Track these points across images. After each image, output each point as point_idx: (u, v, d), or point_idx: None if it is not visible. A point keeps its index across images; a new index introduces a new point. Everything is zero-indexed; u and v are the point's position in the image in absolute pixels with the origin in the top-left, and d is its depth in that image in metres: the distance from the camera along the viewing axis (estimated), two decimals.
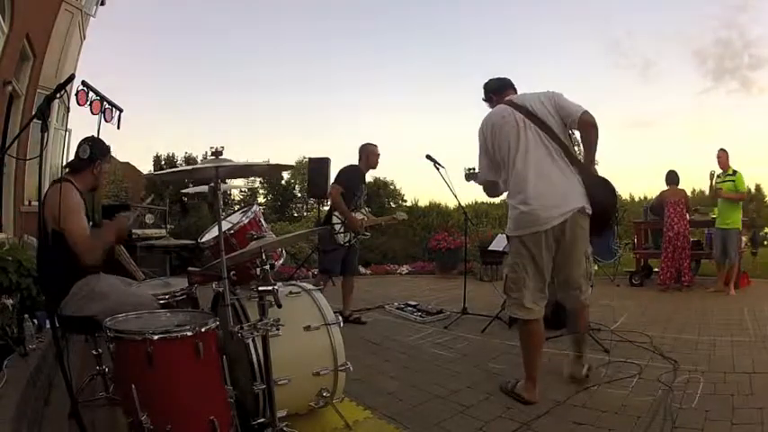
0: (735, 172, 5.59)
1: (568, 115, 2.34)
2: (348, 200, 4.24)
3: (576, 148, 2.44)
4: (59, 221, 2.08)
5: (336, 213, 4.25)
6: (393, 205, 16.73)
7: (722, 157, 5.70)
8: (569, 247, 2.33)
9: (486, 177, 2.51)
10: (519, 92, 2.62)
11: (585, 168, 2.36)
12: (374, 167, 4.49)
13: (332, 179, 5.08)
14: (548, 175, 2.29)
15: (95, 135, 5.59)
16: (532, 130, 2.33)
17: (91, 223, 2.47)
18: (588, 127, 2.30)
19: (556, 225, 2.26)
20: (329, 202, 4.53)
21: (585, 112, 2.29)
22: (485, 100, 2.68)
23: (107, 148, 2.50)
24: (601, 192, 2.36)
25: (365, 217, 4.42)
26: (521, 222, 2.33)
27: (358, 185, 4.36)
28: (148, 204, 5.45)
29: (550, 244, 2.31)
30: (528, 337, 2.46)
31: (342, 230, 4.17)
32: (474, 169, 2.85)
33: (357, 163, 4.44)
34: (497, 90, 2.59)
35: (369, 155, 4.41)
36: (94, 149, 2.37)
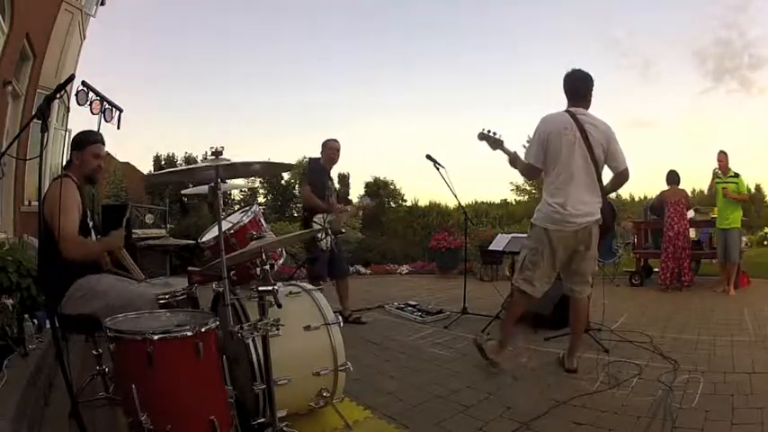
0: (737, 174, 5.62)
1: (614, 161, 2.81)
2: (320, 198, 4.20)
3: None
4: (56, 218, 2.09)
5: (315, 219, 4.19)
6: (393, 205, 16.76)
7: (722, 159, 5.73)
8: (585, 246, 2.80)
9: (533, 162, 2.85)
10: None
11: (604, 193, 2.85)
12: (334, 162, 4.46)
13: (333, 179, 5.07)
14: (582, 191, 2.76)
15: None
16: (583, 151, 2.74)
17: (91, 223, 2.47)
18: (622, 180, 2.87)
19: (578, 230, 2.74)
20: (303, 206, 4.46)
21: (627, 169, 2.83)
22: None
23: (82, 137, 2.46)
24: (607, 213, 2.89)
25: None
26: (551, 218, 2.78)
27: (325, 182, 4.31)
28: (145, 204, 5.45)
29: (570, 244, 2.77)
30: (514, 306, 3.02)
31: (322, 237, 4.10)
32: (491, 132, 3.07)
33: (320, 159, 4.41)
34: (568, 98, 2.88)
35: (327, 150, 4.39)
36: (72, 143, 2.42)
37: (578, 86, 2.86)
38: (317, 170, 4.37)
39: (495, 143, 3.06)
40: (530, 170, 2.91)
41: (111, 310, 1.89)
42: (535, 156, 2.83)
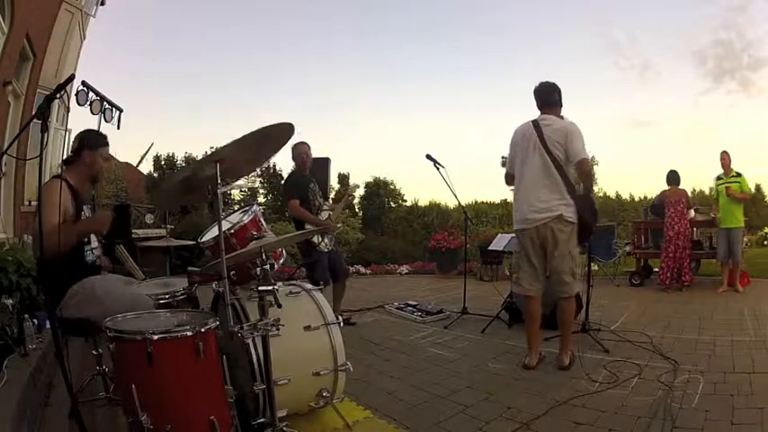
0: (739, 174, 5.68)
1: (571, 156, 2.95)
2: (306, 207, 4.11)
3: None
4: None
5: (308, 226, 4.08)
6: (393, 205, 16.75)
7: (725, 159, 5.78)
8: (552, 244, 2.94)
9: (509, 170, 3.24)
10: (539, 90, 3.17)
11: (576, 193, 2.97)
12: (307, 165, 4.34)
13: (333, 179, 5.06)
14: (538, 190, 2.95)
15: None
16: (540, 151, 2.96)
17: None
18: (581, 172, 3.02)
19: (538, 226, 2.93)
20: (292, 216, 4.30)
21: (582, 161, 2.94)
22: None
23: (96, 137, 2.49)
24: (586, 211, 2.99)
25: (330, 211, 4.32)
26: (516, 220, 3.09)
27: (306, 188, 4.19)
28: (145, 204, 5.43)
29: (534, 240, 2.98)
30: (525, 311, 3.16)
31: (321, 240, 4.04)
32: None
33: (295, 165, 4.33)
34: (539, 107, 3.13)
35: (296, 156, 4.28)
36: (83, 140, 2.41)
37: (546, 97, 3.10)
38: (296, 179, 4.26)
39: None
40: (507, 177, 3.30)
41: (108, 315, 1.88)
42: (508, 164, 3.23)
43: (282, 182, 4.35)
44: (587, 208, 3.00)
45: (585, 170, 3.01)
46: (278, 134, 1.92)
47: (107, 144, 2.52)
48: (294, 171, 4.38)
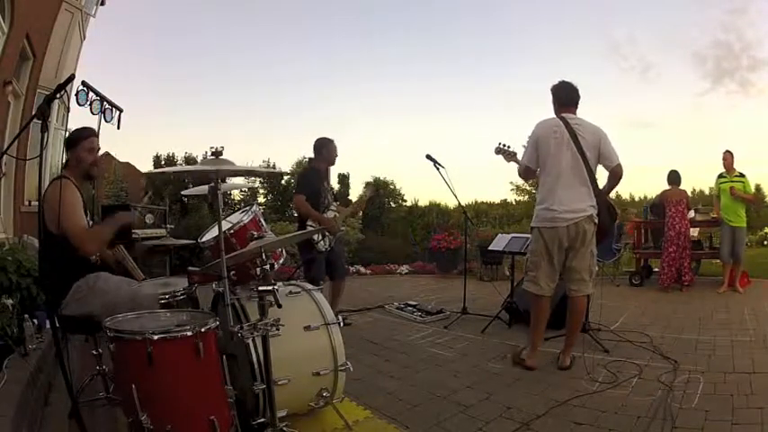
0: (742, 174, 5.71)
1: (606, 159, 2.98)
2: (315, 203, 4.05)
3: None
4: (58, 220, 2.09)
5: (310, 223, 4.03)
6: (393, 205, 16.74)
7: (728, 158, 5.80)
8: (579, 243, 2.91)
9: (528, 164, 3.11)
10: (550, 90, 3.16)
11: (600, 193, 3.00)
12: (333, 163, 4.31)
13: (332, 179, 5.03)
14: (571, 190, 2.91)
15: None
16: (572, 152, 2.92)
17: (91, 223, 2.47)
18: (616, 177, 3.02)
19: (570, 225, 2.88)
20: (296, 212, 4.33)
21: (618, 165, 2.98)
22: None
23: (75, 134, 2.45)
24: (605, 213, 3.01)
25: (336, 213, 4.26)
26: (542, 218, 2.97)
27: (320, 185, 4.12)
28: (146, 204, 5.42)
29: (563, 239, 2.90)
30: (536, 311, 3.06)
31: (319, 239, 3.97)
32: (506, 146, 3.45)
33: (315, 160, 4.28)
34: (561, 104, 3.09)
35: (329, 152, 4.22)
36: (66, 144, 2.41)
37: (572, 95, 3.08)
38: (311, 176, 4.21)
39: (509, 156, 3.43)
40: (525, 171, 3.17)
41: (110, 308, 1.89)
42: (528, 157, 3.09)
43: (296, 176, 4.27)
44: (605, 210, 3.01)
45: (621, 174, 3.01)
46: (270, 175, 2.04)
47: (88, 136, 2.43)
48: (310, 167, 4.32)
